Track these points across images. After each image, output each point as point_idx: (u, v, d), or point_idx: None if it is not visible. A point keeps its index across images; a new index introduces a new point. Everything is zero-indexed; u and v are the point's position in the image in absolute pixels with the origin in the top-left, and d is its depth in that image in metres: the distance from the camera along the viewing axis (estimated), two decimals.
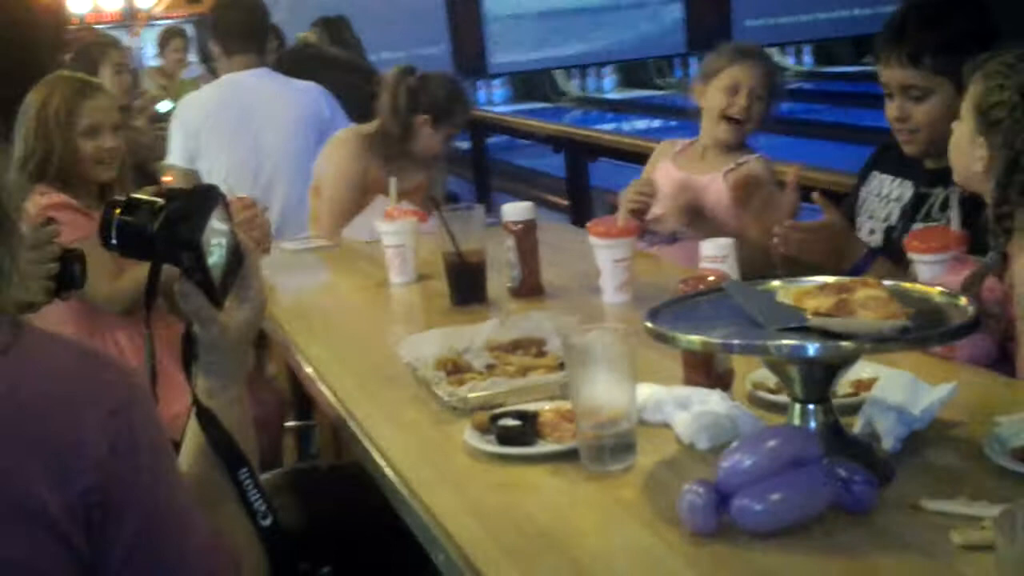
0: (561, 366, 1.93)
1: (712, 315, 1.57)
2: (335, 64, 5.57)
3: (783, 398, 1.73)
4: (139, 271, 2.87)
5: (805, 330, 1.45)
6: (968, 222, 2.09)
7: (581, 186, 5.19)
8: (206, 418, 1.27)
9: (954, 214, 2.14)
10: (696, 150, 3.11)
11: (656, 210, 2.92)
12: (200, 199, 1.26)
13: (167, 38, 7.72)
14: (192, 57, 7.98)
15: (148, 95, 6.42)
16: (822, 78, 15.88)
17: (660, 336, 1.51)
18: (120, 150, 3.04)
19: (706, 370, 1.77)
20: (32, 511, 0.99)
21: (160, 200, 1.26)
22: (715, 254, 2.21)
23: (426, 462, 1.73)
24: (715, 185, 2.98)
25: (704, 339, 1.46)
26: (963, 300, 1.49)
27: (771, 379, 1.79)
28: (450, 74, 3.81)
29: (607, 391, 1.59)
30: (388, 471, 1.71)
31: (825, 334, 1.42)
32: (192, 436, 1.29)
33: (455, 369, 1.97)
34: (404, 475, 1.68)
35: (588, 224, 2.52)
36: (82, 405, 1.04)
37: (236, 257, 1.30)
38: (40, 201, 2.83)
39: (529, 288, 2.56)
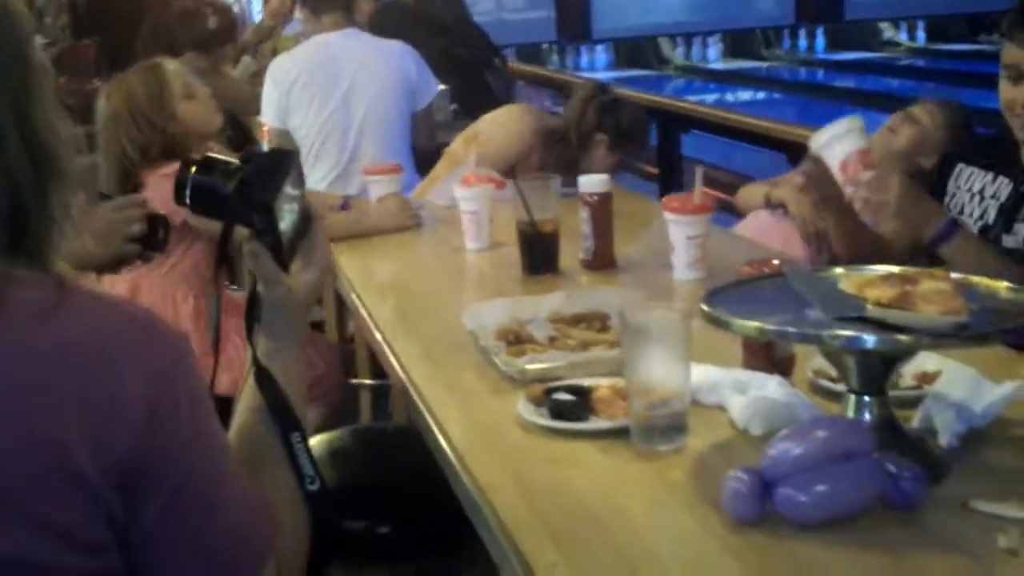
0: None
1: (772, 300, 1.54)
2: (426, 24, 5.57)
3: (843, 387, 1.71)
4: None
5: (864, 320, 1.42)
6: None
7: (672, 157, 5.15)
8: (265, 380, 1.29)
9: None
10: None
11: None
12: (275, 163, 1.29)
13: None
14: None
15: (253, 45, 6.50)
16: (935, 55, 15.51)
17: (715, 320, 1.48)
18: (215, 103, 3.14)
19: (766, 355, 1.75)
20: (71, 475, 1.00)
21: (236, 161, 1.29)
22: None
23: (479, 432, 1.73)
24: None
25: (759, 325, 1.44)
26: None
27: (832, 367, 1.76)
28: (640, 107, 3.78)
29: (661, 371, 1.58)
30: (441, 439, 1.72)
31: (883, 326, 1.39)
32: (248, 396, 1.31)
33: (516, 339, 1.97)
34: (455, 444, 1.68)
35: (663, 199, 2.50)
36: (125, 368, 1.03)
37: (304, 221, 1.32)
38: (159, 171, 2.88)
39: (602, 261, 2.55)
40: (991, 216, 2.38)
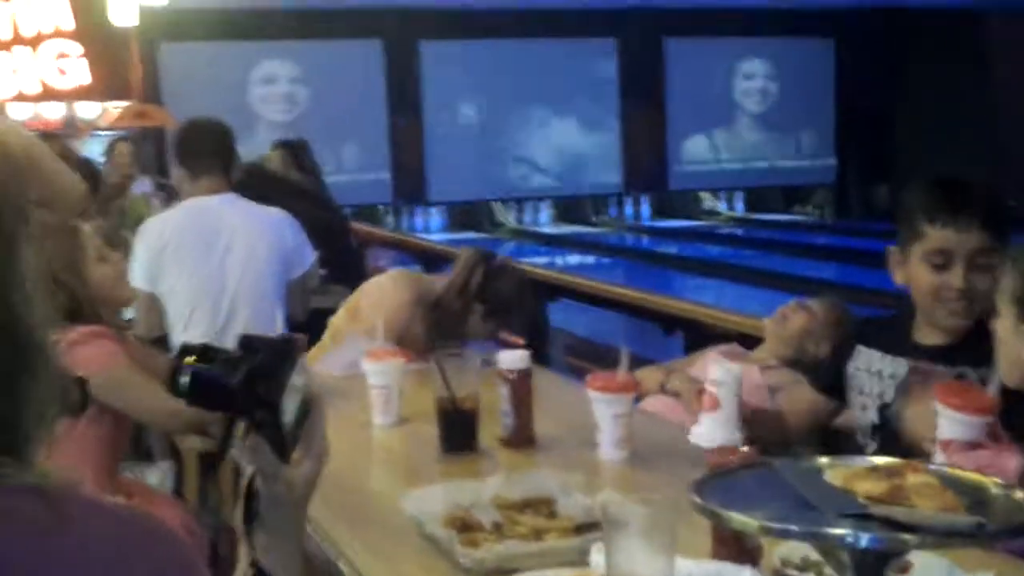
0: (577, 529, 1.88)
1: (759, 492, 1.52)
2: (288, 189, 5.54)
3: None
4: None
5: (863, 516, 1.41)
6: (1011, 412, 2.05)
7: (539, 327, 5.17)
8: None
9: (993, 388, 2.05)
10: None
11: None
12: (281, 355, 1.23)
13: (113, 145, 7.65)
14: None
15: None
16: (753, 224, 16.23)
17: (710, 514, 1.46)
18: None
19: (736, 545, 1.72)
20: None
21: (236, 350, 1.23)
22: (718, 378, 2.23)
23: None
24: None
25: (762, 523, 1.41)
26: (1019, 493, 1.46)
27: (797, 555, 1.75)
28: (524, 276, 3.77)
29: (645, 564, 1.53)
30: None
31: (887, 522, 1.38)
32: None
33: (464, 527, 1.90)
34: None
35: (587, 377, 2.48)
36: None
37: (306, 408, 1.26)
38: (66, 336, 2.73)
39: (522, 438, 2.51)
40: (888, 395, 2.45)
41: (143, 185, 6.86)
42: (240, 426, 1.24)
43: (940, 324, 2.37)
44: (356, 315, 3.51)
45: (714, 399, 2.21)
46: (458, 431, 2.49)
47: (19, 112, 11.55)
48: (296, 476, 1.25)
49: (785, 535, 1.51)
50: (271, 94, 14.36)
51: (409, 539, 1.95)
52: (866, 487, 1.47)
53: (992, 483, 1.52)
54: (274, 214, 4.20)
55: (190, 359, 1.24)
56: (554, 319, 5.32)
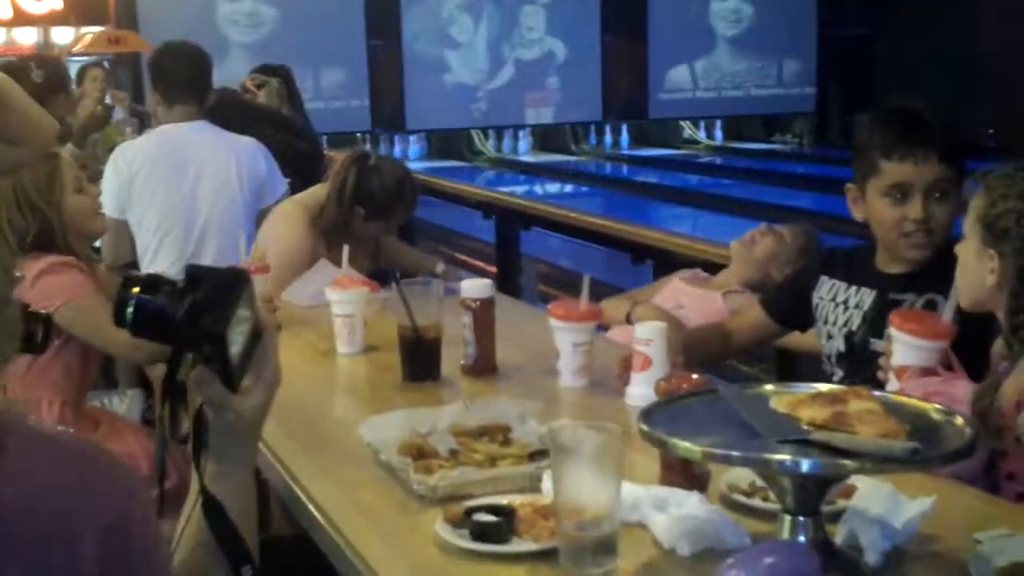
0: (531, 456, 1.90)
1: (706, 419, 1.55)
2: (266, 118, 5.49)
3: (757, 502, 1.73)
4: None
5: (804, 442, 1.43)
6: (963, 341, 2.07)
7: (511, 256, 5.18)
8: (213, 510, 1.22)
9: (948, 311, 2.07)
10: None
11: None
12: (227, 287, 1.21)
13: (84, 70, 7.56)
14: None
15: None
16: (732, 153, 16.20)
17: (656, 441, 1.48)
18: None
19: (684, 471, 1.75)
20: None
21: (181, 281, 1.21)
22: (644, 337, 2.25)
23: (395, 554, 1.67)
24: None
25: (704, 449, 1.44)
26: (959, 419, 1.49)
27: (745, 481, 1.77)
28: (402, 169, 3.69)
29: (592, 490, 1.55)
30: (356, 561, 1.65)
31: (827, 448, 1.40)
32: (194, 529, 1.23)
33: (420, 454, 1.91)
34: (372, 566, 1.62)
35: (550, 306, 2.50)
36: (76, 525, 0.96)
37: (255, 338, 1.25)
38: (35, 266, 2.72)
39: (483, 367, 2.52)
40: (855, 323, 2.47)
41: (116, 113, 6.79)
42: (188, 357, 1.24)
43: (903, 256, 2.39)
44: (263, 254, 3.52)
45: (645, 358, 2.23)
46: (420, 360, 2.50)
47: None
48: (245, 406, 1.25)
49: (727, 461, 1.53)
50: (235, 11, 14.13)
51: (366, 466, 1.97)
52: (809, 413, 1.49)
53: (934, 409, 1.55)
54: (246, 142, 4.17)
55: (135, 289, 1.22)
56: (527, 248, 5.34)
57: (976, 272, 1.97)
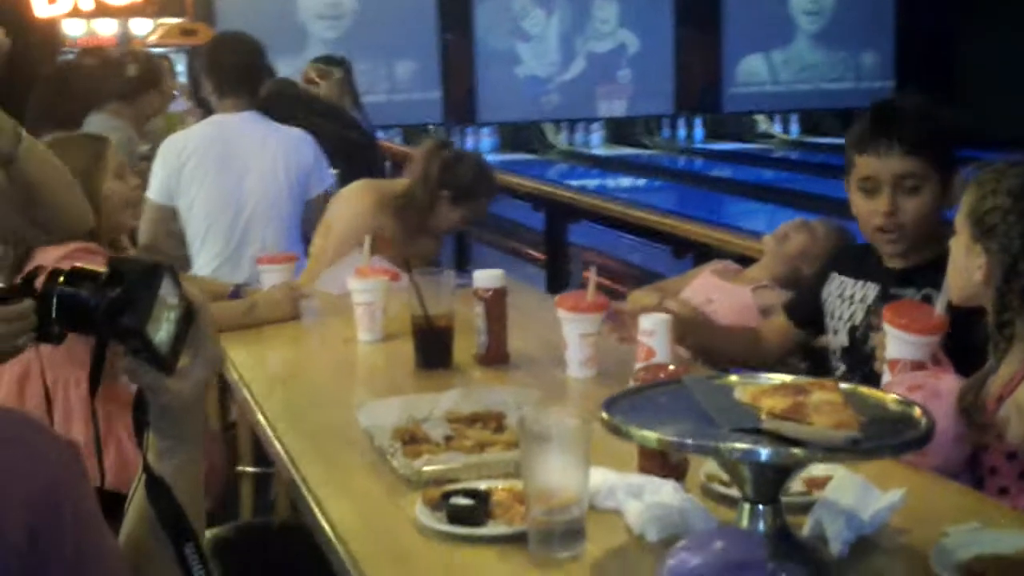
0: (519, 444, 1.93)
1: (669, 408, 1.57)
2: (318, 108, 5.57)
3: (735, 492, 1.74)
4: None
5: (760, 431, 1.45)
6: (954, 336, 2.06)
7: (559, 246, 5.21)
8: (156, 488, 1.25)
9: (940, 306, 2.08)
10: None
11: None
12: (143, 283, 1.22)
13: None
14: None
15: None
16: (807, 148, 16.01)
17: (615, 429, 1.51)
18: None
19: (661, 460, 1.77)
20: None
21: (104, 272, 1.22)
22: (648, 328, 2.27)
23: (374, 535, 1.72)
24: None
25: (659, 436, 1.46)
26: (918, 411, 1.50)
27: (722, 471, 1.79)
28: (482, 158, 3.80)
29: (560, 476, 1.59)
30: (336, 543, 1.70)
31: (778, 438, 1.42)
32: (138, 503, 1.27)
33: (412, 439, 1.96)
34: (351, 549, 1.66)
35: (558, 297, 2.53)
36: (6, 498, 0.99)
37: (188, 318, 1.27)
38: (56, 252, 2.79)
39: (495, 356, 2.56)
40: (858, 317, 2.47)
41: (179, 104, 6.93)
42: (113, 348, 1.26)
43: (883, 250, 2.39)
44: (327, 231, 3.59)
45: (648, 349, 2.25)
46: (433, 348, 2.55)
47: (74, 28, 11.67)
48: (183, 385, 1.27)
49: (682, 448, 1.55)
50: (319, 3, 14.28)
51: (364, 452, 2.02)
52: (770, 403, 1.51)
53: (892, 400, 1.55)
54: (294, 133, 4.25)
55: (60, 280, 1.24)
56: (575, 238, 5.37)
57: (965, 268, 1.97)
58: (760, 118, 16.76)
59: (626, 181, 14.27)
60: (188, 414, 1.29)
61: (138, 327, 1.20)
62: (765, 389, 1.55)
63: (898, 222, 2.34)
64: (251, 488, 3.77)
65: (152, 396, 1.26)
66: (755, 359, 2.65)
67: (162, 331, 1.22)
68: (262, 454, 3.65)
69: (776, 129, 16.82)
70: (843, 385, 1.58)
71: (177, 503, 1.24)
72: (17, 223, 2.45)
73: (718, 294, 3.28)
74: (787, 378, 1.63)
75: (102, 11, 12.12)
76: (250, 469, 3.73)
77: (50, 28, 11.51)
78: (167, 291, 1.23)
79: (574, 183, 11.78)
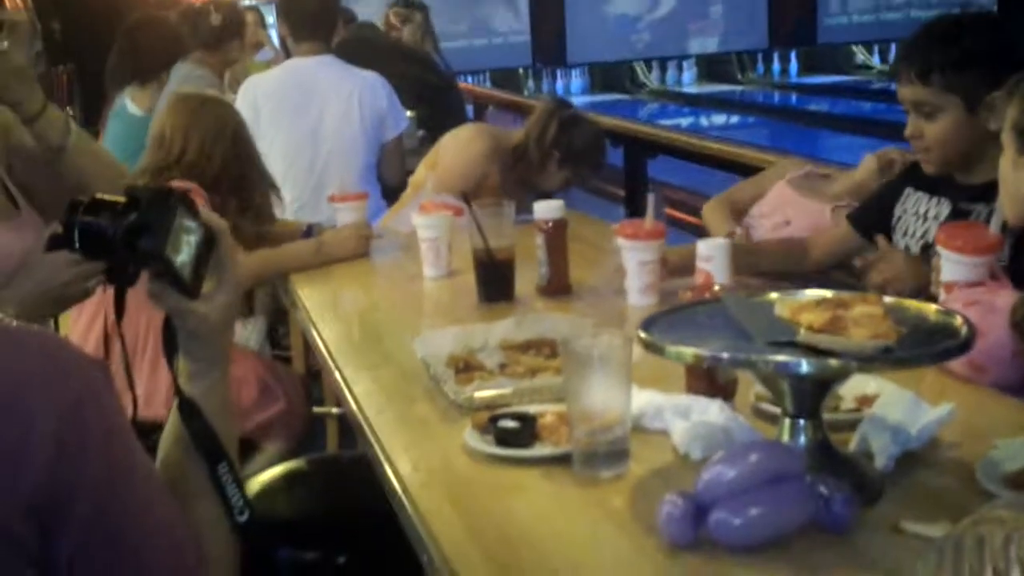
0: None
1: (708, 325, 1.56)
2: (396, 52, 5.60)
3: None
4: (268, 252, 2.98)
5: (797, 345, 1.44)
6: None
7: (637, 181, 5.19)
8: (188, 409, 1.28)
9: (995, 224, 2.05)
10: None
11: None
12: (159, 207, 1.25)
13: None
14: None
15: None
16: None
17: (650, 346, 1.50)
18: None
19: (709, 379, 1.77)
20: None
21: (123, 200, 1.25)
22: (706, 254, 2.29)
23: (426, 461, 1.74)
24: None
25: (693, 351, 1.46)
26: (959, 320, 1.47)
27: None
28: (599, 128, 3.80)
29: (603, 397, 1.59)
30: (387, 468, 1.73)
31: (814, 351, 1.41)
32: (172, 427, 1.30)
33: (466, 367, 1.98)
34: (401, 474, 1.69)
35: (617, 225, 2.52)
36: (34, 408, 1.01)
37: (209, 243, 1.30)
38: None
39: (557, 287, 2.57)
40: (931, 235, 2.43)
41: (265, 53, 7.00)
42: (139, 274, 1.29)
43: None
44: (434, 164, 3.61)
45: (707, 276, 2.25)
46: (494, 281, 2.56)
47: None
48: (209, 309, 1.30)
49: (717, 363, 1.54)
50: None
51: (420, 381, 2.05)
52: (809, 318, 1.49)
53: (934, 311, 1.53)
54: (368, 76, 4.28)
55: (81, 211, 1.25)
56: (653, 173, 5.33)
57: (1013, 182, 1.92)
58: (857, 49, 16.39)
59: (719, 119, 14.10)
60: (216, 336, 1.31)
61: (157, 250, 1.22)
62: (806, 304, 1.54)
63: (923, 145, 2.40)
64: (336, 428, 3.85)
65: (179, 321, 1.29)
66: (800, 269, 2.67)
67: (183, 254, 1.25)
68: None
69: (874, 60, 16.45)
70: (887, 298, 1.56)
71: (209, 424, 1.27)
72: None
73: (795, 212, 3.19)
74: (828, 294, 1.60)
75: None
76: (333, 410, 3.80)
77: None
78: (184, 215, 1.26)
79: (666, 122, 11.67)
